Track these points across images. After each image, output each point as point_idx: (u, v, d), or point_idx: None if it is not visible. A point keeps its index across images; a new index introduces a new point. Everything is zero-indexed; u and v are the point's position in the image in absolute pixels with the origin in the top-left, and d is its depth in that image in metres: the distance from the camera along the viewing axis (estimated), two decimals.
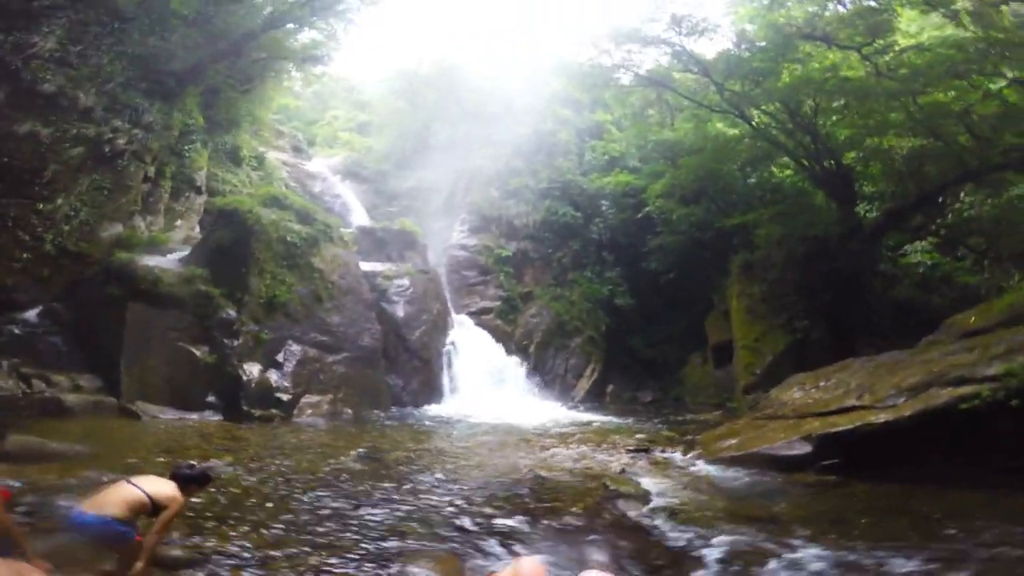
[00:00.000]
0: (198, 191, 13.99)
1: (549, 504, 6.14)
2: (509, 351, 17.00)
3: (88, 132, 10.12)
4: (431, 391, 13.93)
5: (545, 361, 17.58)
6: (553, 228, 19.55)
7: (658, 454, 9.16)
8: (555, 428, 11.55)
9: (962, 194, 14.03)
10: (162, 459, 6.42)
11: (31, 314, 9.65)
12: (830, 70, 12.23)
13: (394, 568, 4.28)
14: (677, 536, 5.43)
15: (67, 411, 7.97)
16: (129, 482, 3.42)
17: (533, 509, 5.97)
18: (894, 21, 11.93)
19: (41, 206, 9.69)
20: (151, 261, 10.36)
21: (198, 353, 9.65)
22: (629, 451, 9.30)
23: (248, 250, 10.82)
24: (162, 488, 3.42)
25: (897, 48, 12.11)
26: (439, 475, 7.07)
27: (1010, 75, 11.26)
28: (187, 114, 12.90)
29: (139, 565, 3.22)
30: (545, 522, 5.62)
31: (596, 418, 13.37)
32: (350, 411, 11.05)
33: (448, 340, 15.16)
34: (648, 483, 7.23)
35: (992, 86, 11.66)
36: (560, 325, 18.09)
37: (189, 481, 3.61)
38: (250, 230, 10.97)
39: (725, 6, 13.85)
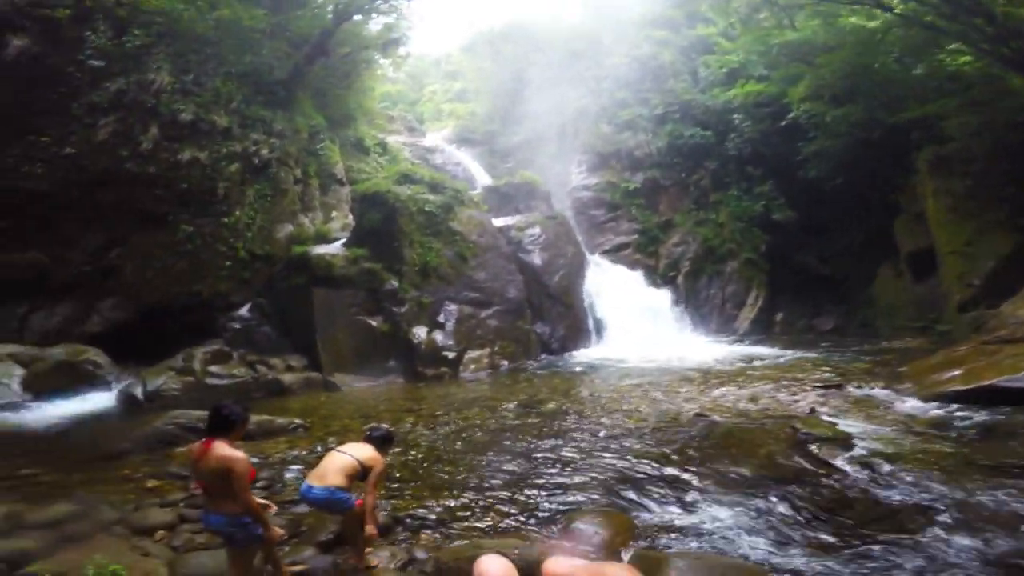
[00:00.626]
0: (340, 183, 14.99)
1: (725, 451, 5.41)
2: (655, 284, 16.14)
3: (236, 149, 11.06)
4: (578, 335, 13.80)
5: (698, 291, 16.31)
6: (682, 152, 17.83)
7: (853, 390, 7.93)
8: (719, 365, 10.68)
9: None
10: (360, 420, 7.21)
11: (243, 311, 11.36)
12: None
13: (563, 524, 4.07)
14: (893, 488, 4.50)
15: (287, 389, 9.42)
16: (339, 451, 3.70)
17: (707, 457, 5.33)
18: None
19: (226, 220, 11.01)
20: (321, 249, 11.62)
21: (374, 323, 10.72)
22: (816, 388, 8.17)
23: (395, 225, 11.67)
24: (365, 452, 3.67)
25: None
26: (598, 424, 6.77)
27: None
28: (308, 117, 13.68)
29: (370, 528, 3.51)
30: (722, 471, 4.98)
31: (767, 351, 12.12)
32: (506, 363, 11.57)
33: (586, 281, 14.82)
34: (847, 425, 6.23)
35: None
36: (710, 250, 16.59)
37: (382, 442, 3.86)
38: (393, 207, 11.80)
39: None
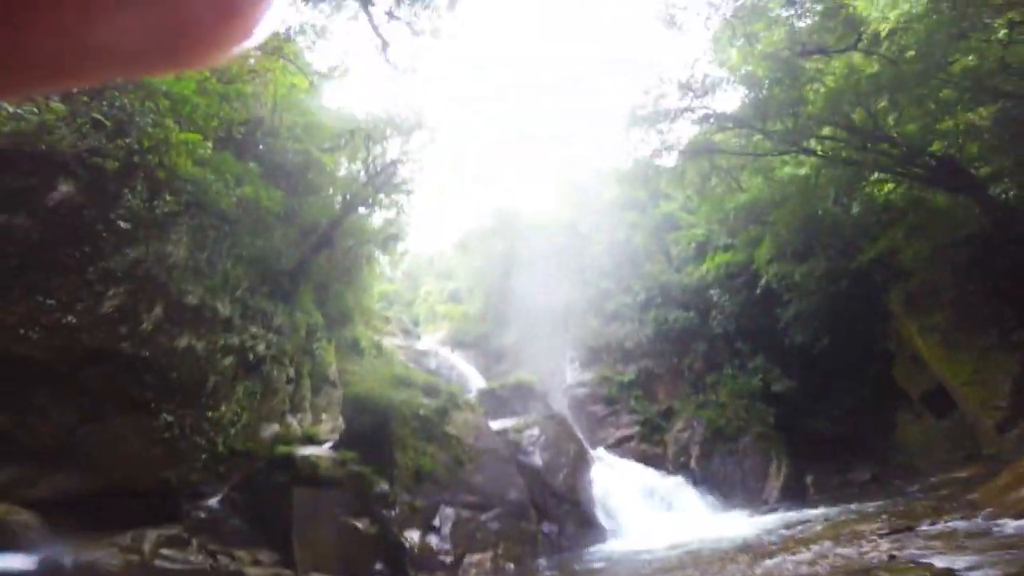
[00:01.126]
0: (333, 385, 14.49)
1: None
2: (666, 472, 15.25)
3: (233, 341, 10.64)
4: (590, 531, 12.82)
5: (714, 472, 15.27)
6: (669, 337, 18.21)
7: (928, 527, 7.08)
8: (759, 536, 9.53)
9: None
10: None
11: (213, 501, 10.27)
12: (850, 73, 11.38)
13: None
14: None
15: None
16: None
17: None
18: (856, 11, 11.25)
19: (210, 414, 10.17)
20: (307, 451, 11.19)
21: (360, 525, 10.03)
22: (883, 535, 7.16)
23: (388, 430, 11.58)
24: None
25: (885, 33, 11.12)
26: None
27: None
28: (308, 313, 13.62)
29: None
30: None
31: (807, 514, 10.95)
32: (512, 565, 10.73)
33: (591, 478, 14.04)
34: (943, 562, 5.35)
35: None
36: (718, 431, 15.85)
37: None
38: (385, 412, 11.79)
39: (715, 61, 13.64)
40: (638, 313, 18.87)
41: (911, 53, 10.59)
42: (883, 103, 11.65)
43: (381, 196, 13.40)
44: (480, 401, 15.81)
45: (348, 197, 13.06)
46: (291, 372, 12.77)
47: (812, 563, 6.55)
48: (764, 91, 12.14)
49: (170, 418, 9.62)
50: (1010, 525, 6.18)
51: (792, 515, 11.47)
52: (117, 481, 9.08)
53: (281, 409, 12.14)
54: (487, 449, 12.98)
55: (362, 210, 14.08)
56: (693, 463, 15.34)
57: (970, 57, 10.48)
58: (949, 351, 12.12)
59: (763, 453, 15.23)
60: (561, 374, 18.99)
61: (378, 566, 9.64)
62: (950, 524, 7.01)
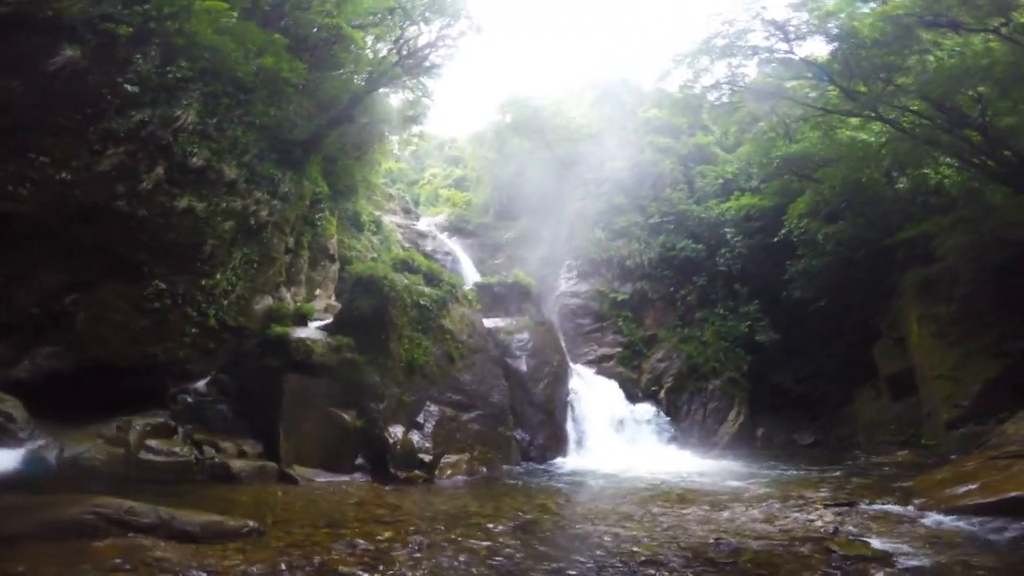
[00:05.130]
0: (331, 259, 14.43)
1: None
2: (635, 398, 15.81)
3: (235, 205, 10.38)
4: (557, 444, 13.31)
5: (679, 407, 16.00)
6: (672, 264, 18.18)
7: (866, 507, 7.63)
8: (708, 481, 10.18)
9: None
10: (326, 530, 6.03)
11: (200, 384, 10.28)
12: (984, 55, 10.43)
13: None
14: None
15: (234, 477, 8.25)
16: None
17: None
18: None
19: (204, 282, 10.04)
20: (303, 333, 10.84)
21: (347, 418, 9.86)
22: (829, 506, 7.73)
23: (387, 316, 11.17)
24: None
25: None
26: (608, 552, 5.86)
27: None
28: (314, 183, 13.33)
29: None
30: None
31: (754, 469, 11.71)
32: (484, 469, 10.84)
33: (569, 390, 14.45)
34: (879, 543, 5.83)
35: None
36: (693, 368, 16.43)
37: None
38: (387, 296, 11.31)
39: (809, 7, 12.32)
40: (647, 235, 18.64)
41: None
42: (991, 90, 10.64)
43: (407, 78, 12.41)
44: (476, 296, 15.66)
45: (373, 75, 12.31)
46: (290, 241, 12.53)
47: (766, 521, 7.04)
48: (864, 50, 10.89)
49: (162, 284, 9.42)
50: (939, 518, 6.70)
51: (739, 465, 12.23)
52: (102, 358, 8.97)
53: (277, 281, 11.98)
54: (478, 347, 12.84)
55: (385, 89, 13.43)
56: (662, 394, 15.98)
57: None
58: (939, 342, 12.41)
59: (728, 398, 15.94)
60: (555, 280, 19.06)
61: (359, 461, 9.60)
62: (885, 507, 7.52)
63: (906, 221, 13.43)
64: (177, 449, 8.36)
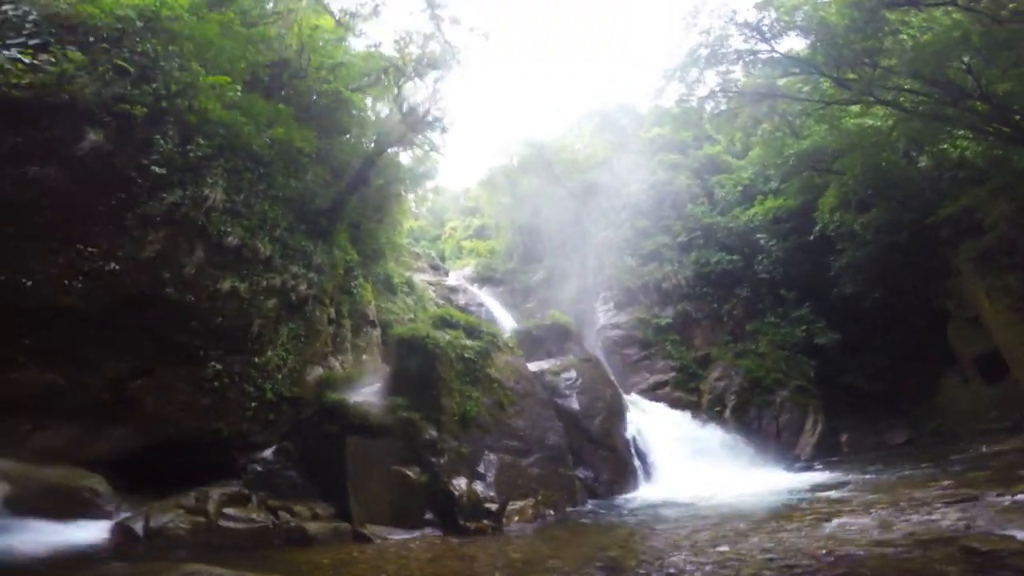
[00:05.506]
0: (372, 324, 14.48)
1: None
2: (700, 420, 15.11)
3: (275, 282, 10.51)
4: (624, 479, 12.83)
5: (748, 424, 15.18)
6: (710, 280, 17.71)
7: (996, 499, 6.80)
8: (801, 496, 9.38)
9: None
10: None
11: (267, 453, 10.45)
12: (954, 27, 10.46)
13: None
14: None
15: (311, 539, 8.29)
16: None
17: None
18: None
19: (256, 359, 10.17)
20: (358, 398, 11.08)
21: (411, 474, 9.97)
22: (949, 503, 6.94)
23: (435, 373, 11.35)
24: None
25: None
26: None
27: None
28: (344, 251, 13.53)
29: None
30: None
31: (849, 477, 10.80)
32: (551, 512, 10.60)
33: (627, 422, 13.96)
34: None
35: None
36: (755, 382, 15.65)
37: None
38: (432, 354, 11.47)
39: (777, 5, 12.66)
40: (678, 254, 18.30)
41: (1011, 7, 9.36)
42: (975, 60, 10.55)
43: (412, 135, 12.70)
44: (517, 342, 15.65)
45: (380, 136, 12.63)
46: (332, 312, 12.63)
47: (882, 529, 6.31)
48: (839, 39, 10.95)
49: (218, 366, 9.57)
50: None
51: (829, 475, 11.41)
52: (171, 435, 9.14)
53: (324, 351, 12.08)
54: (527, 392, 12.76)
55: (394, 149, 13.70)
56: (728, 413, 15.28)
57: None
58: (1019, 314, 11.52)
59: (800, 407, 15.08)
60: (592, 315, 18.70)
61: (428, 515, 9.61)
62: (1018, 497, 6.68)
63: (941, 198, 13.07)
64: (254, 515, 8.50)
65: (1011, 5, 9.89)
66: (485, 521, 9.44)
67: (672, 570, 5.74)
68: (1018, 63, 10.47)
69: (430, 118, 12.82)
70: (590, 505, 11.42)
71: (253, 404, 10.11)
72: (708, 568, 5.60)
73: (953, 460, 10.68)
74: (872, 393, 15.43)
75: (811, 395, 15.37)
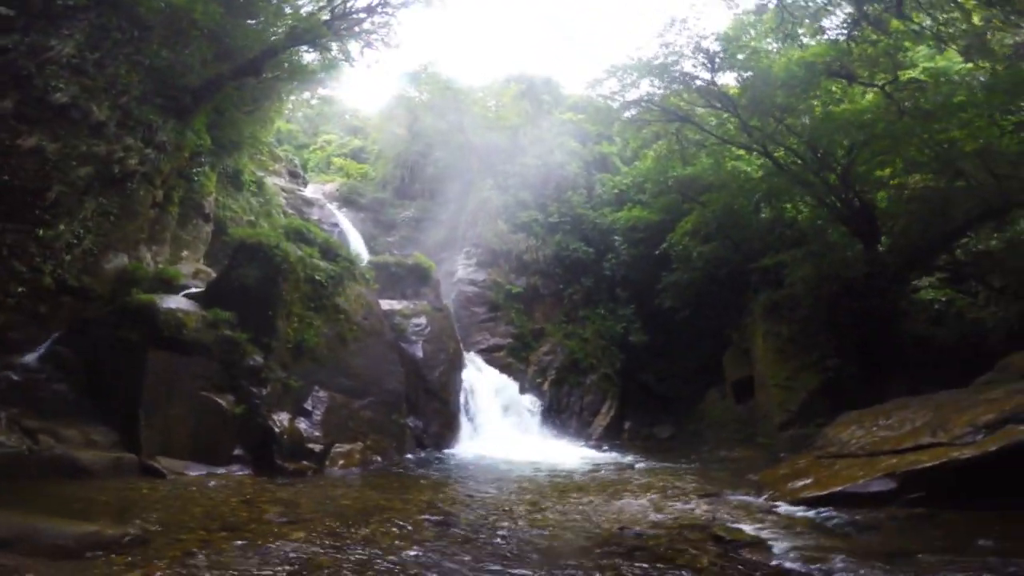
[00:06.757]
0: (206, 218, 12.87)
1: (669, 563, 5.40)
2: (522, 389, 16.59)
3: (99, 150, 8.90)
4: (451, 432, 13.37)
5: (560, 399, 17.14)
6: (564, 264, 19.18)
7: (731, 497, 8.77)
8: (594, 471, 11.03)
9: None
10: (224, 534, 5.29)
11: (31, 358, 8.45)
12: (868, 111, 12.39)
13: None
14: None
15: (83, 471, 6.93)
16: None
17: (656, 570, 5.20)
18: (912, 56, 12.41)
19: (41, 232, 8.35)
20: (172, 303, 9.36)
21: (224, 403, 8.80)
22: (701, 496, 8.81)
23: (277, 290, 10.09)
24: None
25: (916, 84, 12.42)
26: (530, 545, 6.09)
27: None
28: (198, 134, 11.90)
29: None
30: None
31: (627, 458, 13.01)
32: (378, 458, 10.39)
33: (463, 379, 14.58)
34: (751, 530, 6.72)
35: (1006, 122, 11.87)
36: (574, 363, 17.62)
37: None
38: (278, 268, 10.21)
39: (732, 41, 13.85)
40: (545, 232, 19.42)
41: (925, 104, 11.40)
42: (858, 142, 12.57)
43: (331, 39, 11.44)
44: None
45: (295, 31, 11.21)
46: (160, 195, 11.00)
47: (655, 509, 7.85)
48: (771, 88, 12.35)
49: None
50: (789, 508, 7.79)
51: (614, 455, 13.44)
52: None
53: (137, 237, 10.53)
54: (373, 330, 12.21)
55: (304, 48, 12.19)
56: (547, 386, 17.00)
57: (964, 130, 11.33)
58: (778, 356, 14.69)
59: (602, 392, 17.44)
60: (452, 265, 19.05)
61: (237, 451, 8.67)
62: (744, 498, 8.59)
63: (766, 249, 15.52)
64: (3, 439, 6.85)
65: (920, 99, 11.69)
66: (305, 462, 8.89)
67: (502, 532, 6.48)
68: (885, 152, 12.52)
69: (359, 29, 11.52)
70: (417, 455, 11.51)
71: (20, 289, 8.34)
72: (534, 532, 6.55)
73: (703, 459, 13.24)
74: (656, 392, 18.43)
75: (613, 383, 17.82)
